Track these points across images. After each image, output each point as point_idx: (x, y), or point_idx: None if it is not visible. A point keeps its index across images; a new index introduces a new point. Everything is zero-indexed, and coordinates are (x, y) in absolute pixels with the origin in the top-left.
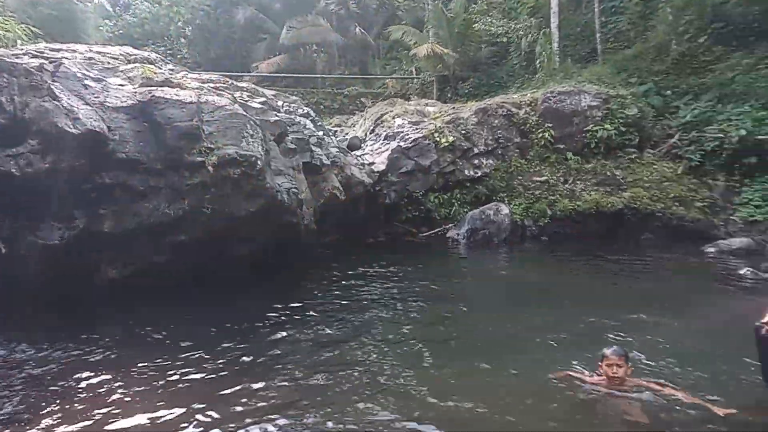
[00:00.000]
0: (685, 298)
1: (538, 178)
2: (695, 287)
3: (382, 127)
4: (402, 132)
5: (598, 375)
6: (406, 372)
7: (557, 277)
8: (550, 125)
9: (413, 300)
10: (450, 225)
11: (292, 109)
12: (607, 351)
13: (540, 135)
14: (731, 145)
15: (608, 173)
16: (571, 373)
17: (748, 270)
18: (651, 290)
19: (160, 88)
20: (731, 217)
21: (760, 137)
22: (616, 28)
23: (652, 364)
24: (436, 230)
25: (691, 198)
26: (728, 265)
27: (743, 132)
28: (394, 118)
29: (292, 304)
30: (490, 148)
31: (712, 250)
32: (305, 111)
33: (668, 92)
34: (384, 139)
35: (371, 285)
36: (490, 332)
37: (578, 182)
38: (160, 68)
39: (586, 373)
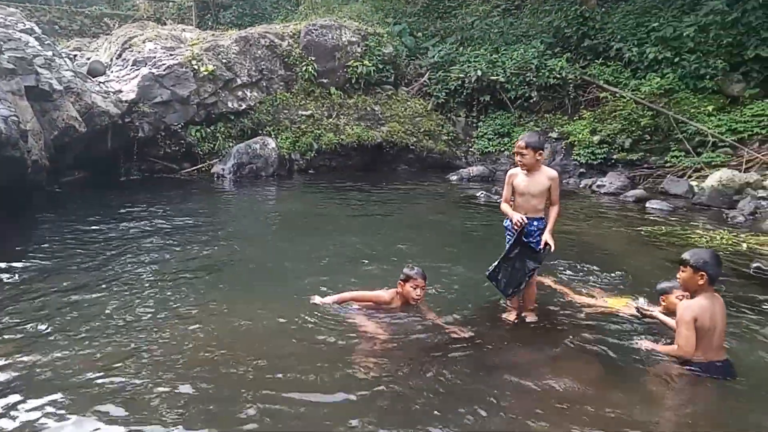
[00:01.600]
0: (432, 218)
1: (304, 112)
2: (441, 208)
3: (131, 51)
4: (154, 57)
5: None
6: (163, 308)
7: (323, 207)
8: (314, 59)
9: (171, 237)
10: (215, 160)
11: (9, 23)
12: (412, 273)
13: (304, 68)
14: (470, 85)
15: (368, 108)
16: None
17: (482, 193)
18: (405, 213)
19: None
20: (470, 149)
21: (492, 78)
22: None
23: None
24: (199, 166)
25: (439, 132)
26: (467, 190)
27: (479, 73)
28: (144, 42)
29: (15, 254)
30: (254, 80)
31: (455, 177)
32: (27, 26)
33: (419, 34)
34: (133, 65)
35: (121, 225)
36: (257, 262)
37: (342, 117)
38: None
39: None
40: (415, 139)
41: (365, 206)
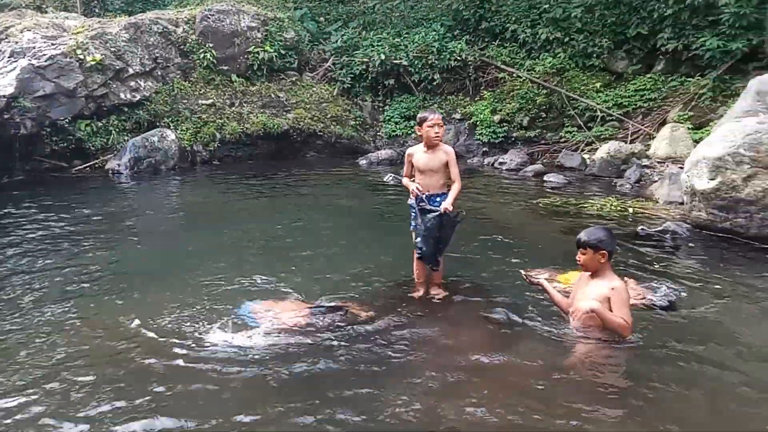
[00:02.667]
0: (344, 202)
1: (205, 102)
2: (351, 193)
3: (8, 42)
4: (34, 48)
5: None
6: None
7: (230, 198)
8: (212, 45)
9: (60, 240)
10: (109, 156)
11: None
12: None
13: (202, 56)
14: (374, 69)
15: (273, 95)
16: None
17: (391, 176)
18: (316, 200)
19: None
20: (378, 133)
21: (396, 61)
22: None
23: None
24: (91, 162)
25: (346, 117)
26: (377, 173)
27: (383, 57)
28: (22, 31)
29: None
30: (148, 69)
31: (364, 162)
32: None
33: (321, 18)
34: (10, 57)
35: (2, 231)
36: (160, 259)
37: (245, 105)
38: None
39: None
40: (322, 125)
41: (275, 195)
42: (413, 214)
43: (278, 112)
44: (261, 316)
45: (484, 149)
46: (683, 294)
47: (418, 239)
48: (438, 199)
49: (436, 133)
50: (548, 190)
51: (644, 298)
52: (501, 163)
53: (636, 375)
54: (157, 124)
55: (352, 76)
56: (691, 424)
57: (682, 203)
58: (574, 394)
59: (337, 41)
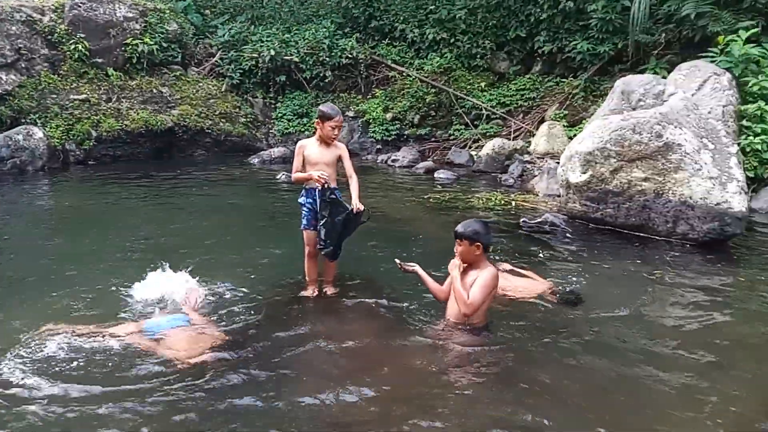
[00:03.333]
0: (235, 202)
1: (77, 97)
2: (243, 192)
3: None
4: None
5: None
6: None
7: (108, 201)
8: (83, 36)
9: None
10: None
11: None
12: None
13: (73, 47)
14: (265, 65)
15: (155, 90)
16: None
17: (283, 174)
18: (205, 200)
19: None
20: (271, 131)
21: (286, 57)
22: None
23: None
24: None
25: (236, 114)
26: (270, 172)
27: (273, 52)
28: None
29: None
30: (9, 61)
31: (256, 160)
32: None
33: (207, 11)
34: None
35: None
36: (24, 269)
37: (124, 100)
38: None
39: None
40: (210, 122)
41: (160, 196)
42: (305, 212)
43: (161, 109)
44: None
45: (378, 147)
46: (562, 280)
47: (322, 232)
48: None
49: (335, 133)
50: (438, 186)
51: (552, 292)
52: (394, 161)
53: (513, 360)
54: (22, 120)
55: (241, 71)
56: (570, 409)
57: (559, 196)
58: (453, 379)
59: (224, 35)
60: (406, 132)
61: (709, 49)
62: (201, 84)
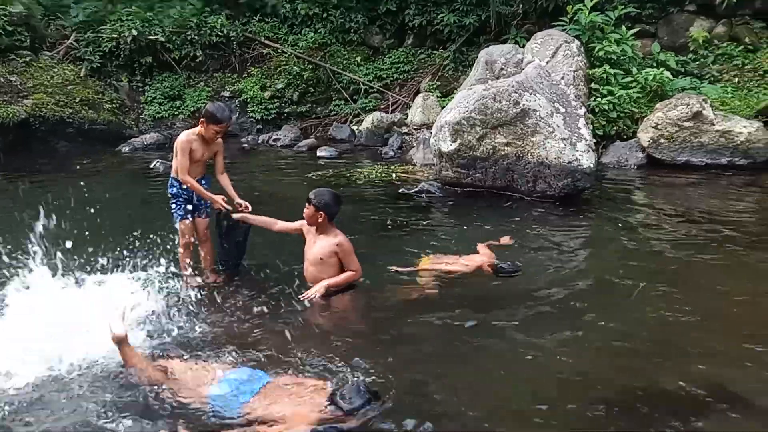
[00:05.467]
0: (105, 195)
1: None
2: (114, 184)
3: None
4: None
5: None
6: None
7: None
8: None
9: None
10: None
11: None
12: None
13: None
14: (127, 46)
15: (2, 79)
16: None
17: (158, 162)
18: (70, 196)
19: None
20: (141, 116)
21: (151, 37)
22: None
23: None
24: None
25: (100, 100)
26: (143, 160)
27: (135, 32)
28: None
29: None
30: None
31: (127, 148)
32: None
33: None
34: None
35: None
36: None
37: None
38: None
39: None
40: (71, 111)
41: (13, 197)
42: (179, 202)
43: (12, 99)
44: None
45: (259, 126)
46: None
47: (224, 254)
48: (203, 182)
49: (219, 137)
50: (321, 163)
51: (491, 264)
52: (276, 140)
53: (391, 316)
54: None
55: (101, 54)
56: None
57: (435, 164)
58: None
59: (77, 15)
60: (286, 110)
61: (561, 18)
62: (56, 69)
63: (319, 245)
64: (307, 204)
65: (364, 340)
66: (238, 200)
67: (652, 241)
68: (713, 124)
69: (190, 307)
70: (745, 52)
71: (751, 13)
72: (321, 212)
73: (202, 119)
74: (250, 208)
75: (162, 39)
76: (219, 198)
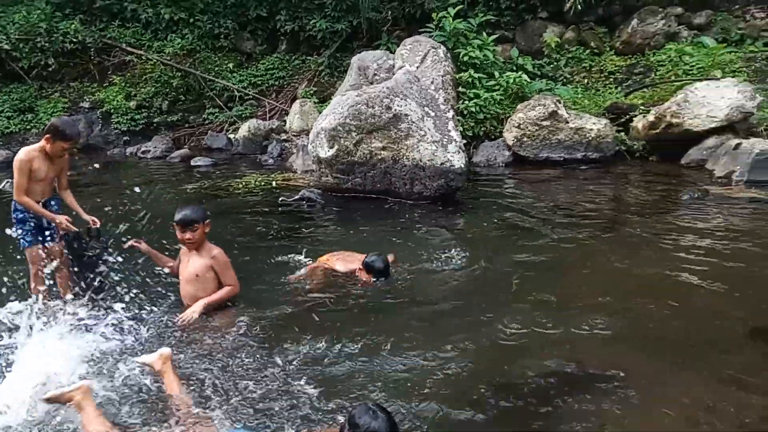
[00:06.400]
0: None
1: None
2: None
3: None
4: None
5: None
6: None
7: None
8: None
9: None
10: None
11: None
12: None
13: None
14: None
15: None
16: None
17: (8, 182)
18: None
19: None
20: None
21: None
22: None
23: None
24: None
25: None
26: None
27: None
28: None
29: None
30: None
31: None
32: None
33: None
34: None
35: None
36: None
37: None
38: None
39: None
40: None
41: None
42: (27, 228)
43: None
44: None
45: (125, 138)
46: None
47: (84, 277)
48: (53, 202)
49: (65, 154)
50: (197, 174)
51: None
52: (145, 152)
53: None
54: None
55: None
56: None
57: (314, 171)
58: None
59: None
60: (155, 120)
61: (428, 24)
62: None
63: (194, 262)
64: (187, 227)
65: (252, 359)
66: (86, 216)
67: (521, 230)
68: (567, 122)
69: None
70: (591, 55)
71: (595, 19)
72: (207, 223)
73: (47, 135)
74: (98, 224)
75: (7, 47)
76: (62, 218)
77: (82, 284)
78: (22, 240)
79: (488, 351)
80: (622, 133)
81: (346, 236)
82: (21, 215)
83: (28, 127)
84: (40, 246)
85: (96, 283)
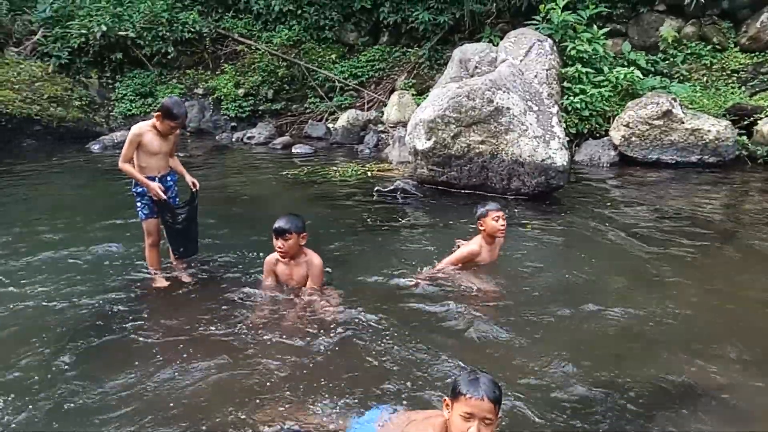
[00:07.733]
0: (75, 194)
1: None
2: (83, 182)
3: None
4: None
5: None
6: None
7: None
8: None
9: None
10: None
11: None
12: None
13: None
14: (96, 42)
15: None
16: None
17: None
18: (39, 195)
19: None
20: (111, 113)
21: (121, 33)
22: None
23: None
24: None
25: (68, 98)
26: (112, 158)
27: (104, 28)
28: None
29: None
30: None
31: (97, 147)
32: None
33: None
34: None
35: None
36: None
37: None
38: None
39: None
40: (39, 108)
41: None
42: (144, 201)
43: None
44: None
45: (233, 124)
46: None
47: (176, 241)
48: (169, 177)
49: (175, 132)
50: (296, 161)
51: None
52: (250, 138)
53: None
54: None
55: (69, 50)
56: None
57: (410, 162)
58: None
59: (45, 10)
60: (261, 107)
61: (534, 17)
62: (23, 66)
63: (295, 273)
64: (280, 236)
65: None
66: (189, 177)
67: (625, 238)
68: (683, 123)
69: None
70: (713, 52)
71: (719, 13)
72: (303, 236)
73: (157, 113)
74: (197, 187)
75: (132, 35)
76: (155, 185)
77: (176, 248)
78: (140, 212)
79: (592, 355)
80: (744, 137)
81: (440, 229)
82: (140, 189)
83: (148, 110)
84: (153, 218)
85: (186, 245)
